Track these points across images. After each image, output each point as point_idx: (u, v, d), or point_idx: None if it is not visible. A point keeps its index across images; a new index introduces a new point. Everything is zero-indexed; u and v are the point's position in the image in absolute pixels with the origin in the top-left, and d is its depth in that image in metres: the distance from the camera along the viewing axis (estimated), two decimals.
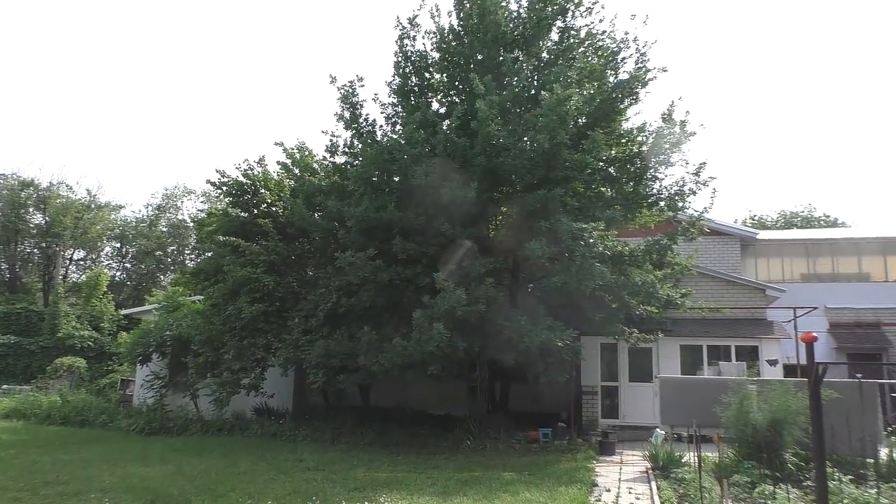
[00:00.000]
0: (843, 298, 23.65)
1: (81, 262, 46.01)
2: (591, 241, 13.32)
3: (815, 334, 6.27)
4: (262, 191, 18.50)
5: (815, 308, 19.42)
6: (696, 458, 9.46)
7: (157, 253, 45.91)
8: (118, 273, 46.44)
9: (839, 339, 22.44)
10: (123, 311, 26.25)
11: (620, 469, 12.34)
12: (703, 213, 15.45)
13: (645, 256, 15.45)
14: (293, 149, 18.13)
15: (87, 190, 44.48)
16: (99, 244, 46.26)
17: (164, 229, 45.96)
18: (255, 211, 18.50)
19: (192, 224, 17.96)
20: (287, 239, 18.00)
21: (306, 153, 19.12)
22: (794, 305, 19.03)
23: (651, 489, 10.09)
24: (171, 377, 21.05)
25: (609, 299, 15.64)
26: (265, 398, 18.98)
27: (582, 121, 16.15)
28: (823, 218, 49.61)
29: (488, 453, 14.27)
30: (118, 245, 46.29)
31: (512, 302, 15.81)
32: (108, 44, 78.19)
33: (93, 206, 43.97)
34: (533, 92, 16.16)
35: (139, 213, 47.01)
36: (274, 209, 18.56)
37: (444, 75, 17.72)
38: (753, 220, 51.16)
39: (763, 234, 25.74)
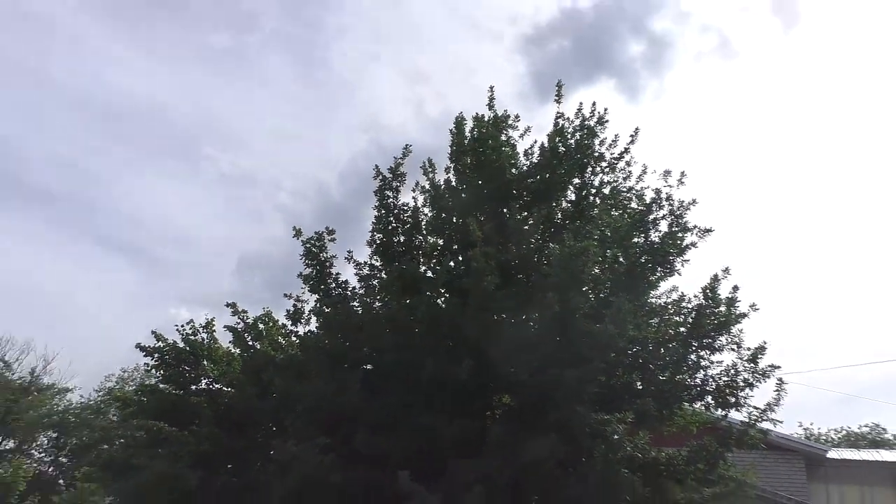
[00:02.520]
0: None
1: (10, 455, 42.72)
2: (616, 437, 11.04)
3: None
4: (205, 363, 16.51)
5: None
6: None
7: (103, 447, 42.72)
8: (51, 469, 42.97)
9: None
10: None
11: None
12: (766, 411, 13.14)
13: (689, 467, 13.01)
14: (244, 311, 16.27)
15: (31, 370, 42.53)
16: (36, 434, 43.30)
17: (115, 418, 43.14)
18: (193, 388, 16.40)
19: (113, 402, 15.83)
20: (232, 427, 15.67)
21: (270, 324, 17.35)
22: None
23: None
24: None
25: None
26: None
27: (603, 293, 14.52)
28: (895, 441, 46.25)
29: None
30: (55, 435, 43.26)
31: None
32: None
33: (32, 388, 41.73)
34: (541, 257, 14.76)
35: (87, 397, 44.45)
36: (217, 386, 16.47)
37: (438, 238, 16.47)
38: (810, 439, 47.70)
39: (835, 453, 22.94)
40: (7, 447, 42.57)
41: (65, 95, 75.63)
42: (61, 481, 43.22)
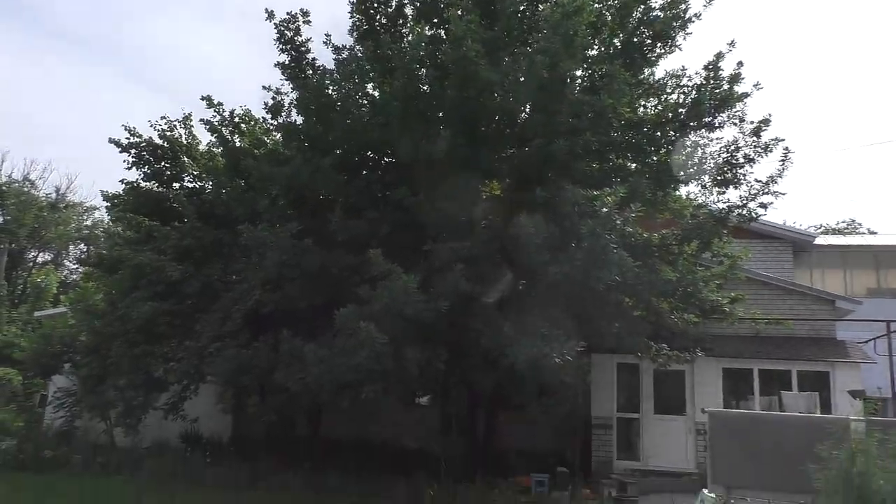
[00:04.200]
0: None
1: (48, 266, 42.52)
2: (605, 210, 9.35)
3: None
4: (184, 159, 14.64)
5: None
6: None
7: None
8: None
9: None
10: (37, 314, 22.63)
11: None
12: (768, 184, 11.34)
13: (682, 246, 11.49)
14: (219, 104, 13.96)
15: (56, 188, 41.15)
16: (69, 246, 42.83)
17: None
18: (177, 186, 14.69)
19: (103, 202, 14.56)
20: (216, 222, 14.06)
21: (252, 122, 15.23)
22: (868, 319, 14.86)
23: None
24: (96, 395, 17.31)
25: (630, 303, 11.70)
26: (189, 423, 15.07)
27: (601, 71, 12.30)
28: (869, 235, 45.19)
29: None
30: (85, 248, 42.75)
31: (498, 303, 11.91)
32: None
33: (60, 205, 40.61)
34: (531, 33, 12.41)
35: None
36: (200, 184, 14.74)
37: (427, 26, 13.92)
38: None
39: (822, 240, 21.58)
40: (44, 259, 42.32)
41: None
42: None
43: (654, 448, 14.00)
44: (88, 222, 42.49)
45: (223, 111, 14.00)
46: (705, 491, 9.02)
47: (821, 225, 47.88)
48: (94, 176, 64.18)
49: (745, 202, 11.52)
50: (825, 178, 70.10)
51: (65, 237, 40.43)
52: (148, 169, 14.56)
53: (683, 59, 34.80)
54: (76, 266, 42.43)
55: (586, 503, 10.81)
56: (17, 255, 38.64)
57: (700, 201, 13.04)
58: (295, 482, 11.93)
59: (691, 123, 12.45)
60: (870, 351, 14.39)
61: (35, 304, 31.48)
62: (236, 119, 14.38)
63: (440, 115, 10.76)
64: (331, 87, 12.00)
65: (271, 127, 14.85)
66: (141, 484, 11.81)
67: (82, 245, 42.50)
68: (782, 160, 11.14)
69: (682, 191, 13.34)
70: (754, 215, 11.58)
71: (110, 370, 12.72)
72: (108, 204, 15.07)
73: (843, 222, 47.51)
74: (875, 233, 45.35)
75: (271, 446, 15.04)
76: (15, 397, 25.11)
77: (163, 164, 14.61)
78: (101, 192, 15.00)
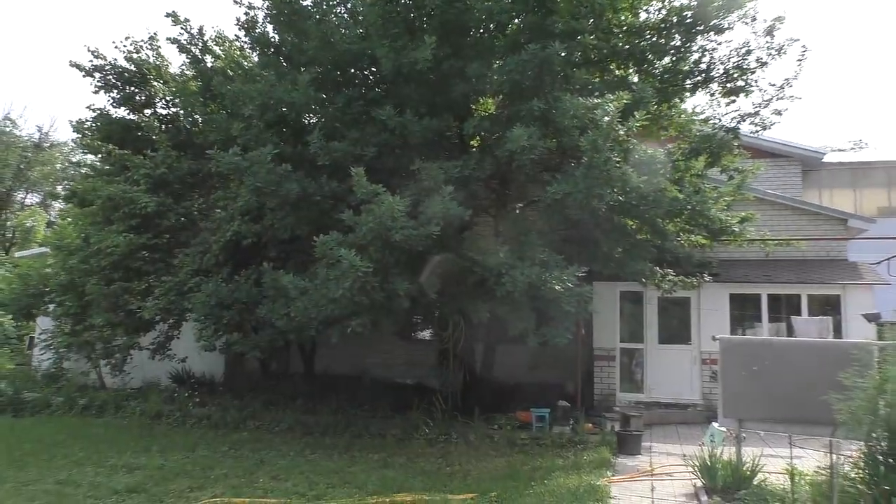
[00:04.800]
0: None
1: (32, 207, 41.63)
2: (607, 119, 8.49)
3: None
4: (155, 83, 13.65)
5: None
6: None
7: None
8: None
9: None
10: (17, 254, 21.97)
11: (652, 488, 7.79)
12: (783, 87, 10.49)
13: (688, 162, 10.69)
14: (186, 20, 12.88)
15: (38, 127, 39.91)
16: (56, 187, 41.86)
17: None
18: (149, 112, 13.76)
19: (73, 132, 13.66)
20: (196, 153, 13.22)
21: (227, 44, 14.16)
22: (884, 237, 14.19)
23: None
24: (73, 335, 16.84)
25: (634, 226, 10.98)
26: (177, 362, 14.65)
27: None
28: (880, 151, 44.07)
29: (451, 450, 9.89)
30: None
31: (495, 229, 11.21)
32: None
33: (44, 144, 39.44)
34: None
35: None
36: (174, 112, 13.81)
37: None
38: None
39: (831, 157, 20.70)
40: (32, 201, 41.47)
41: None
42: None
43: (658, 379, 13.50)
44: (75, 160, 41.41)
45: (190, 28, 12.98)
46: (715, 424, 8.53)
47: (827, 146, 46.79)
48: (77, 116, 62.50)
49: (758, 109, 10.67)
50: (833, 97, 68.45)
51: (50, 177, 39.42)
52: (117, 94, 13.62)
53: None
54: (60, 204, 41.58)
55: (587, 442, 10.33)
56: (5, 196, 37.81)
57: (707, 115, 12.26)
58: (286, 421, 11.48)
59: (698, 26, 11.48)
60: (882, 272, 13.78)
61: (23, 247, 30.84)
62: (206, 38, 13.35)
63: (424, 23, 9.77)
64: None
65: (245, 46, 13.91)
66: (122, 425, 11.39)
67: (69, 185, 41.57)
68: (799, 60, 10.25)
69: (689, 103, 12.59)
70: (768, 123, 10.75)
71: (89, 309, 12.15)
72: (79, 135, 14.20)
73: (851, 142, 46.38)
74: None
75: (264, 384, 14.66)
76: (8, 340, 24.77)
77: (132, 88, 13.64)
78: (70, 121, 14.11)
